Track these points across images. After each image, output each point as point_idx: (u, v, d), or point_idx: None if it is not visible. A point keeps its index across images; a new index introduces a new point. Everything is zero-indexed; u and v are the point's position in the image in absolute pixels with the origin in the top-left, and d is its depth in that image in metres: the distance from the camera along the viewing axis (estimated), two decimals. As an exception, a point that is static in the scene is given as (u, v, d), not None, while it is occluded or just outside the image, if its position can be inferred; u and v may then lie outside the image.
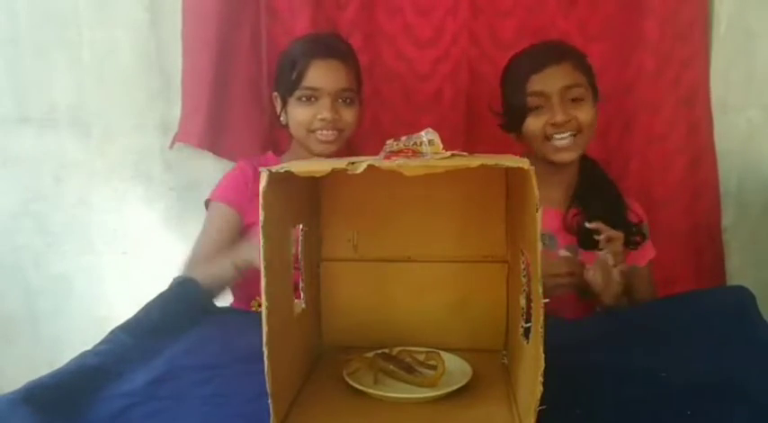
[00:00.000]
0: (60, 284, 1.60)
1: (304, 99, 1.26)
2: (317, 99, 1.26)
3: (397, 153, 0.72)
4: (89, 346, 0.91)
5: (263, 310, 0.65)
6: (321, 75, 1.25)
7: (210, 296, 1.16)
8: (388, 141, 0.74)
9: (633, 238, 1.25)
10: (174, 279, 1.11)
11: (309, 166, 0.69)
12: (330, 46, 1.28)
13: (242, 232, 1.30)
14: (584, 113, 1.20)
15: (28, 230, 1.57)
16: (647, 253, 1.30)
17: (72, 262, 1.59)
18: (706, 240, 1.51)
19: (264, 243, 0.65)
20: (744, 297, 1.01)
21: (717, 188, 1.52)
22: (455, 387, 0.78)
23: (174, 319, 0.99)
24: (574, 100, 1.20)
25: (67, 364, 0.82)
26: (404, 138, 0.74)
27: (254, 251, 1.02)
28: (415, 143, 0.73)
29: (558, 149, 1.21)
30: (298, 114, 1.27)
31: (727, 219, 1.55)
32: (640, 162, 1.48)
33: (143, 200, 1.56)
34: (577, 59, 1.23)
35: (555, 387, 0.76)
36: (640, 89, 1.46)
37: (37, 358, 1.62)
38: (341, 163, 0.66)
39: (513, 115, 1.24)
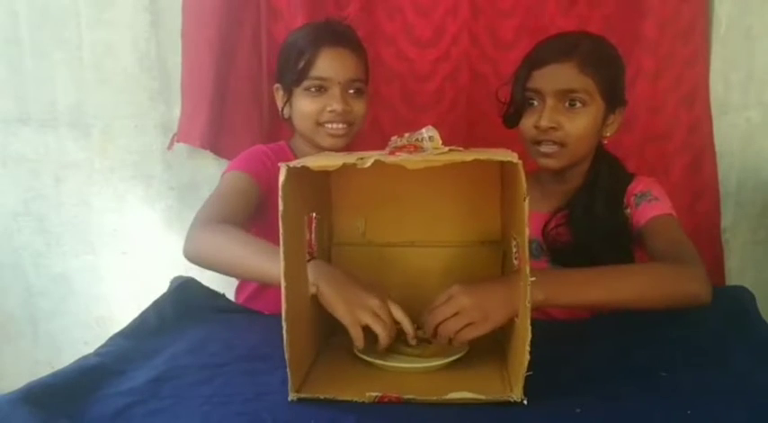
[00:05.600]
0: (60, 284, 1.60)
1: (313, 90, 1.20)
2: (326, 90, 1.19)
3: (401, 149, 0.78)
4: (89, 346, 0.91)
5: (282, 290, 0.72)
6: (331, 64, 1.19)
7: (209, 292, 1.10)
8: (393, 138, 0.81)
9: (625, 245, 1.14)
10: (172, 281, 1.11)
11: (323, 161, 0.77)
12: (339, 33, 1.22)
13: (259, 205, 1.16)
14: (575, 124, 1.08)
15: (28, 230, 1.57)
16: (646, 212, 1.11)
17: (72, 262, 1.59)
18: (706, 240, 1.51)
19: (283, 231, 0.72)
20: (744, 297, 1.01)
21: (716, 188, 1.52)
22: (454, 357, 0.86)
23: (171, 322, 0.99)
24: (572, 105, 1.09)
25: (68, 365, 0.82)
26: (407, 135, 0.80)
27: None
28: (417, 139, 0.79)
29: (543, 155, 1.12)
30: (305, 106, 1.20)
31: (726, 219, 1.55)
32: (640, 162, 1.48)
33: (143, 200, 1.56)
34: (588, 60, 1.08)
35: (554, 386, 0.76)
36: (640, 89, 1.46)
37: (37, 358, 1.63)
38: (351, 158, 0.74)
39: (512, 109, 1.15)
